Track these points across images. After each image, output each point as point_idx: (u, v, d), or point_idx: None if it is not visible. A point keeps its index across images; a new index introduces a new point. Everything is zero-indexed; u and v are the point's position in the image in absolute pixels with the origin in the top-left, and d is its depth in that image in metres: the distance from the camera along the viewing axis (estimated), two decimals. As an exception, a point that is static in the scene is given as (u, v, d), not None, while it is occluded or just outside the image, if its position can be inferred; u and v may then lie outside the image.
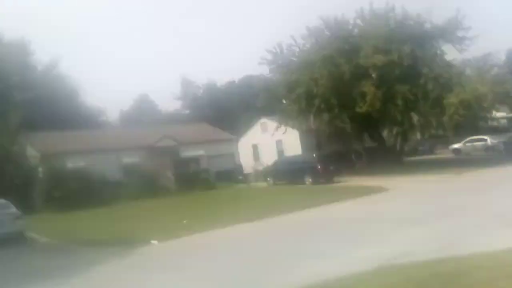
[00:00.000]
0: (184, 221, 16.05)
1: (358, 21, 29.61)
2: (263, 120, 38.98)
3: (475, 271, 6.46)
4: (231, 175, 33.81)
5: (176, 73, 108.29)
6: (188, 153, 33.50)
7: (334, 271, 7.54)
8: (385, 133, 34.62)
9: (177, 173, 31.34)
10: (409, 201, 16.67)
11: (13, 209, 16.44)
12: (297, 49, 30.34)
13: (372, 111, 27.66)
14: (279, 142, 36.59)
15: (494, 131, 39.81)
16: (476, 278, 6.15)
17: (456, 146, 39.35)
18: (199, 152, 34.15)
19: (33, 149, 29.14)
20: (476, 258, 7.23)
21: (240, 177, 33.79)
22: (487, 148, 36.29)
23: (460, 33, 28.86)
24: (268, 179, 29.73)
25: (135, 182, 28.55)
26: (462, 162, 31.03)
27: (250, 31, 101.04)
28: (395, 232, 10.73)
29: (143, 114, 59.44)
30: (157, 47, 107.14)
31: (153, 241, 13.23)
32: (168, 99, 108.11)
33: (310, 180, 26.50)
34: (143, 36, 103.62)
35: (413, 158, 37.42)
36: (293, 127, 32.61)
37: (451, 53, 29.83)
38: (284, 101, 30.83)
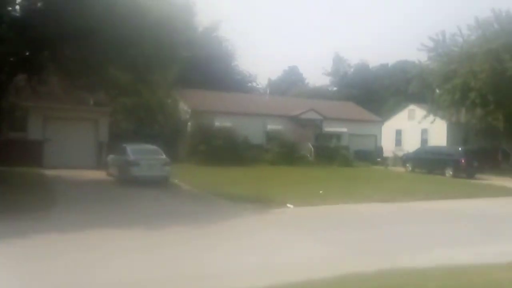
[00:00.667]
0: (321, 191, 16.66)
1: (532, 17, 28.25)
2: (412, 107, 39.06)
3: None
4: (370, 156, 34.55)
5: (329, 49, 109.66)
6: (331, 128, 34.84)
7: (466, 259, 8.03)
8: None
9: (317, 146, 32.68)
10: None
11: (163, 156, 17.98)
12: (461, 39, 29.94)
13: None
14: (424, 131, 36.62)
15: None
16: None
17: None
18: (343, 129, 35.30)
19: (185, 104, 31.12)
20: None
21: (379, 159, 34.44)
22: None
23: None
24: (407, 165, 29.95)
25: (276, 149, 30.15)
26: None
27: (410, 17, 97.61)
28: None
29: (291, 85, 62.49)
30: (312, 21, 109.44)
31: (289, 205, 13.84)
32: (317, 74, 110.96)
33: (451, 172, 26.48)
34: (301, 7, 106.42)
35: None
36: (442, 117, 32.46)
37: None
38: (438, 91, 30.78)
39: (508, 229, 11.74)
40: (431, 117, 31.83)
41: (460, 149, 28.28)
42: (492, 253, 8.74)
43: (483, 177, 26.16)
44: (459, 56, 28.89)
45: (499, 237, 10.68)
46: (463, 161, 26.52)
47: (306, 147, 32.53)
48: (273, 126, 32.57)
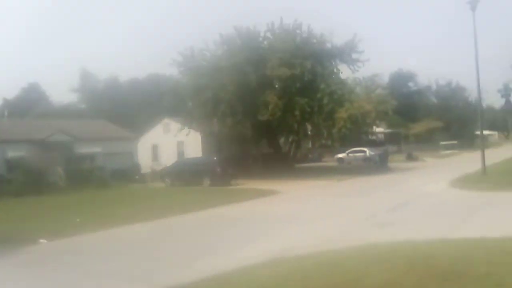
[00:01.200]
0: (78, 220, 16.23)
1: (268, 34, 32.91)
2: (167, 120, 40.50)
3: (348, 261, 8.03)
4: (127, 174, 34.11)
5: (74, 64, 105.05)
6: (84, 149, 33.30)
7: (227, 265, 8.53)
8: (281, 141, 38.40)
9: (69, 169, 31.00)
10: (297, 203, 19.72)
11: None
12: (208, 54, 32.63)
13: (273, 119, 30.81)
14: (180, 143, 38.35)
15: (373, 144, 46.95)
16: (348, 266, 7.65)
17: (340, 155, 44.94)
18: (96, 149, 34.06)
19: None
20: (348, 251, 8.93)
21: (137, 177, 34.28)
22: (365, 159, 42.16)
23: (354, 56, 33.56)
24: (166, 179, 30.45)
25: (21, 178, 27.83)
26: (344, 170, 36.01)
27: (156, 33, 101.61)
28: (284, 230, 12.69)
29: (32, 104, 57.13)
30: (55, 33, 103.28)
31: (42, 240, 13.13)
32: (62, 91, 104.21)
33: (208, 182, 27.96)
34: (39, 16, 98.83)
35: (303, 165, 41.74)
36: (196, 129, 34.74)
37: (345, 72, 34.56)
38: (190, 104, 33.02)
39: (261, 229, 13.46)
40: (186, 130, 33.81)
41: (215, 158, 30.27)
42: (255, 254, 9.53)
43: (238, 182, 28.73)
44: (208, 70, 31.37)
45: (258, 237, 11.99)
46: (218, 169, 28.43)
47: (56, 172, 30.66)
48: (15, 153, 29.77)
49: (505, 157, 30.71)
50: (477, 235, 9.37)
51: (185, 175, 29.37)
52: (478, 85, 24.84)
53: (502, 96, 21.67)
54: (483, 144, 25.54)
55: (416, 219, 13.49)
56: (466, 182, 21.21)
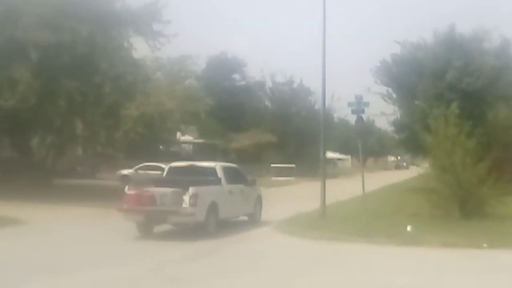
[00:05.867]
0: None
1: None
2: None
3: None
4: None
5: None
6: None
7: None
8: (35, 142, 37.18)
9: None
10: (47, 242, 18.08)
11: None
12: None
13: (23, 108, 29.37)
14: None
15: (175, 158, 46.99)
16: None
17: (125, 172, 44.78)
18: None
19: None
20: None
21: None
22: None
23: (156, 26, 33.65)
24: None
25: None
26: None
27: None
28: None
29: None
30: None
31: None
32: None
33: None
34: None
35: (68, 181, 40.84)
36: None
37: (141, 49, 34.64)
38: None
39: None
40: None
41: None
42: None
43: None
44: None
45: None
46: None
47: None
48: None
49: (354, 193, 32.42)
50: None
51: None
52: (323, 92, 26.11)
53: (352, 113, 23.75)
54: (324, 173, 26.24)
55: (214, 275, 13.65)
56: (297, 224, 22.07)
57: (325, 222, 22.13)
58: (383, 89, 42.07)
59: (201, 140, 61.66)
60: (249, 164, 56.97)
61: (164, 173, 22.53)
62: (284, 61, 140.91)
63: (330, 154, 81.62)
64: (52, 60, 30.10)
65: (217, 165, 21.89)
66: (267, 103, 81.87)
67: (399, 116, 44.01)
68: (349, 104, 26.51)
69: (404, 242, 17.34)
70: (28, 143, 36.48)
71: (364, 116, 27.84)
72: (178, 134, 38.27)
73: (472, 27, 39.99)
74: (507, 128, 37.53)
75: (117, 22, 33.15)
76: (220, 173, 20.97)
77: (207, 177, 20.72)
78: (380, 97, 42.55)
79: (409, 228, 19.09)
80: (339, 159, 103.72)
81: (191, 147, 61.23)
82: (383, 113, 44.67)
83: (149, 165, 43.41)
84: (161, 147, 41.69)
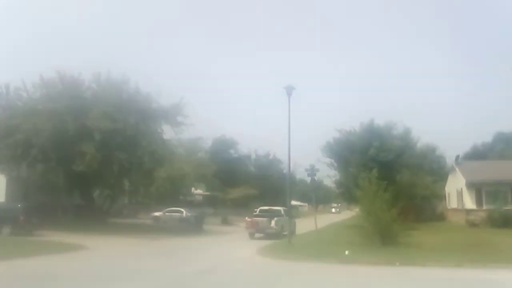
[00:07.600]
0: None
1: (93, 85, 31.60)
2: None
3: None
4: None
5: None
6: None
7: None
8: (96, 194, 36.40)
9: None
10: (102, 261, 17.87)
11: None
12: (25, 95, 30.08)
13: (88, 171, 29.06)
14: (-21, 185, 33.90)
15: (190, 205, 46.95)
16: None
17: (156, 214, 43.71)
18: None
19: None
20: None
21: None
22: (181, 219, 42.01)
23: (179, 118, 33.70)
24: None
25: None
26: (159, 229, 34.89)
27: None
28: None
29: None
30: None
31: None
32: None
33: (9, 230, 25.17)
34: None
35: (118, 220, 39.62)
36: (2, 172, 31.14)
37: (168, 133, 34.44)
38: None
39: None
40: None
41: (19, 205, 27.37)
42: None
43: (43, 233, 26.11)
44: (23, 111, 28.85)
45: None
46: (22, 218, 25.75)
47: None
48: None
49: (310, 228, 33.00)
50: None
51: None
52: (289, 164, 26.25)
53: (308, 175, 24.81)
54: (291, 214, 27.60)
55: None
56: (272, 250, 21.95)
57: (291, 248, 22.06)
58: (328, 160, 42.08)
59: (208, 193, 61.41)
60: (240, 209, 57.85)
61: (257, 211, 31.31)
62: (264, 137, 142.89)
63: (294, 202, 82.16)
64: (110, 139, 30.03)
65: (281, 208, 31.60)
66: (252, 169, 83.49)
67: (338, 178, 44.00)
68: (306, 170, 27.68)
69: (344, 261, 17.17)
70: (91, 195, 35.92)
71: (316, 177, 28.58)
72: (193, 188, 38.03)
73: (385, 120, 40.61)
74: (410, 186, 38.16)
75: (153, 116, 33.37)
76: (282, 212, 30.66)
77: (278, 213, 30.70)
78: (326, 165, 42.70)
79: (347, 252, 18.81)
80: (300, 205, 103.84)
81: (201, 197, 60.67)
82: (328, 176, 44.68)
83: (172, 209, 42.65)
84: (181, 197, 41.15)
